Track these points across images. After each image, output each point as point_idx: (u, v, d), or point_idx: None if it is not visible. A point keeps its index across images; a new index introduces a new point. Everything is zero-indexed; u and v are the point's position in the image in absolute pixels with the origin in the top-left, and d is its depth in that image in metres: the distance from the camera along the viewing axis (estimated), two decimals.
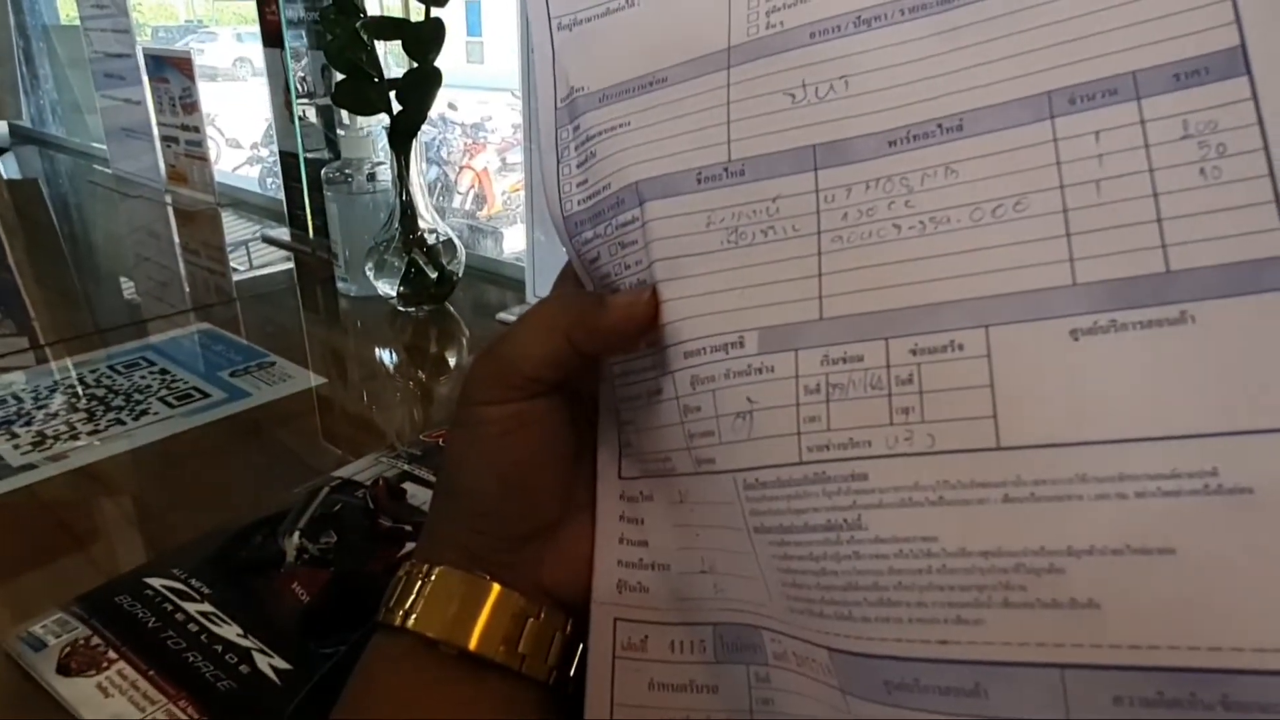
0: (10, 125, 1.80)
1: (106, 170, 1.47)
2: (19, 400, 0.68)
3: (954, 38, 0.22)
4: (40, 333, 0.85)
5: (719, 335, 0.24)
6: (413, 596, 0.27)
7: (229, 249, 1.14)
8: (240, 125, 6.18)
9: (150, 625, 0.42)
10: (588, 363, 0.28)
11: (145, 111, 1.30)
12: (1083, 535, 0.19)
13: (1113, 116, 0.20)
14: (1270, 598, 0.18)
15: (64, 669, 0.39)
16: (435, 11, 0.74)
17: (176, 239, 1.18)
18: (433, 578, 0.27)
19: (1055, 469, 0.20)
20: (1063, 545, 0.19)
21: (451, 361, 0.80)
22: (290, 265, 1.05)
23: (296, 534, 0.49)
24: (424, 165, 0.85)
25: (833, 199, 0.23)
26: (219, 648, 0.40)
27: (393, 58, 0.83)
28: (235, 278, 1.03)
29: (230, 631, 0.41)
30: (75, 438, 0.62)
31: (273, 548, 0.48)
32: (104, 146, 1.49)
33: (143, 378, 0.72)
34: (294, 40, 0.99)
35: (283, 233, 1.13)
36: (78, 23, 1.40)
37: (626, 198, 0.26)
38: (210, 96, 1.69)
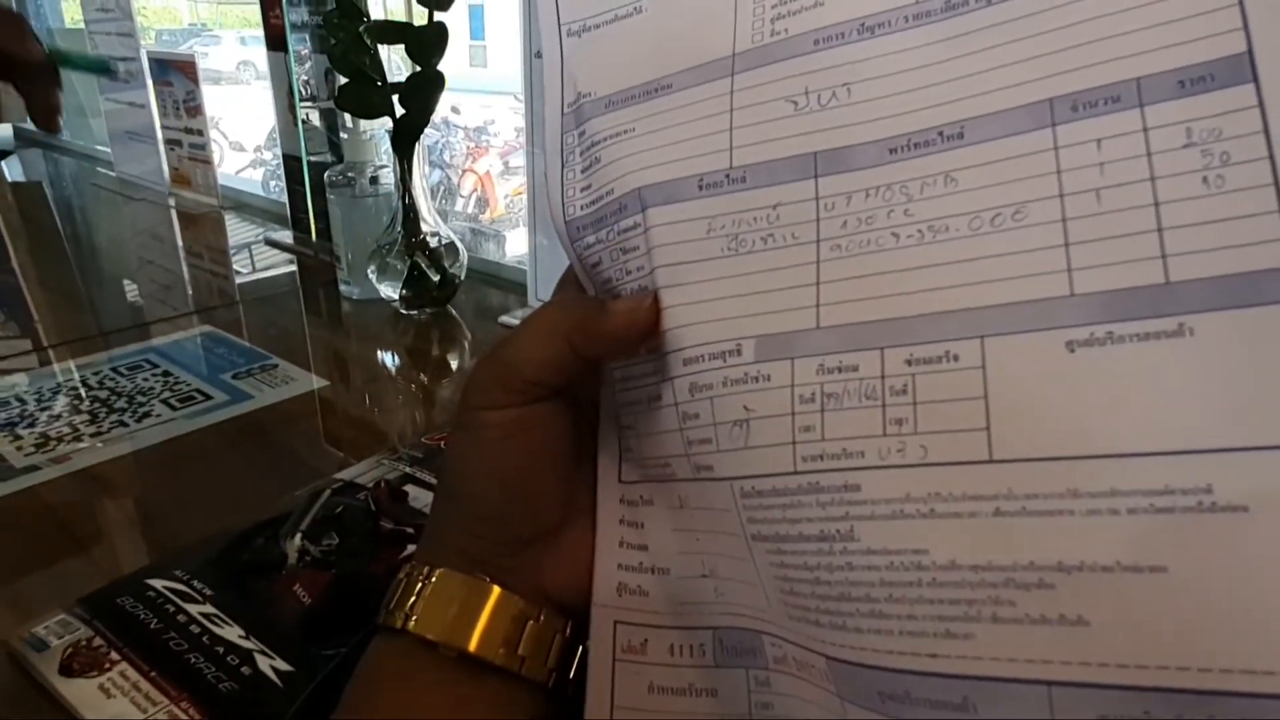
0: (15, 128, 1.81)
1: (110, 173, 1.47)
2: (22, 402, 0.68)
3: (957, 45, 0.22)
4: (43, 335, 0.85)
5: (717, 343, 0.24)
6: (413, 598, 0.27)
7: (232, 252, 1.14)
8: (244, 128, 6.19)
9: (152, 626, 0.42)
10: (589, 368, 0.28)
11: (149, 115, 1.30)
12: (1073, 551, 0.19)
13: (1115, 124, 0.20)
14: (1262, 619, 0.17)
15: (66, 670, 0.40)
16: (438, 16, 0.74)
17: (179, 242, 1.18)
18: (433, 580, 0.27)
19: (1047, 483, 0.19)
20: (1053, 561, 0.19)
21: (453, 364, 0.80)
22: (293, 268, 1.06)
23: (298, 536, 0.49)
24: (426, 168, 0.86)
25: (832, 207, 0.23)
26: (221, 649, 0.40)
27: (396, 61, 0.83)
28: (238, 280, 1.03)
29: (232, 633, 0.42)
30: (78, 439, 0.62)
31: (275, 550, 0.48)
32: (108, 149, 1.49)
33: (145, 380, 0.72)
34: (297, 44, 1.00)
35: (285, 235, 1.13)
36: (82, 26, 1.40)
37: (629, 203, 0.27)
38: (214, 100, 1.70)
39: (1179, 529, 0.18)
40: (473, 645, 0.26)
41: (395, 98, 0.76)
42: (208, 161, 1.28)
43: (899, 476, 0.21)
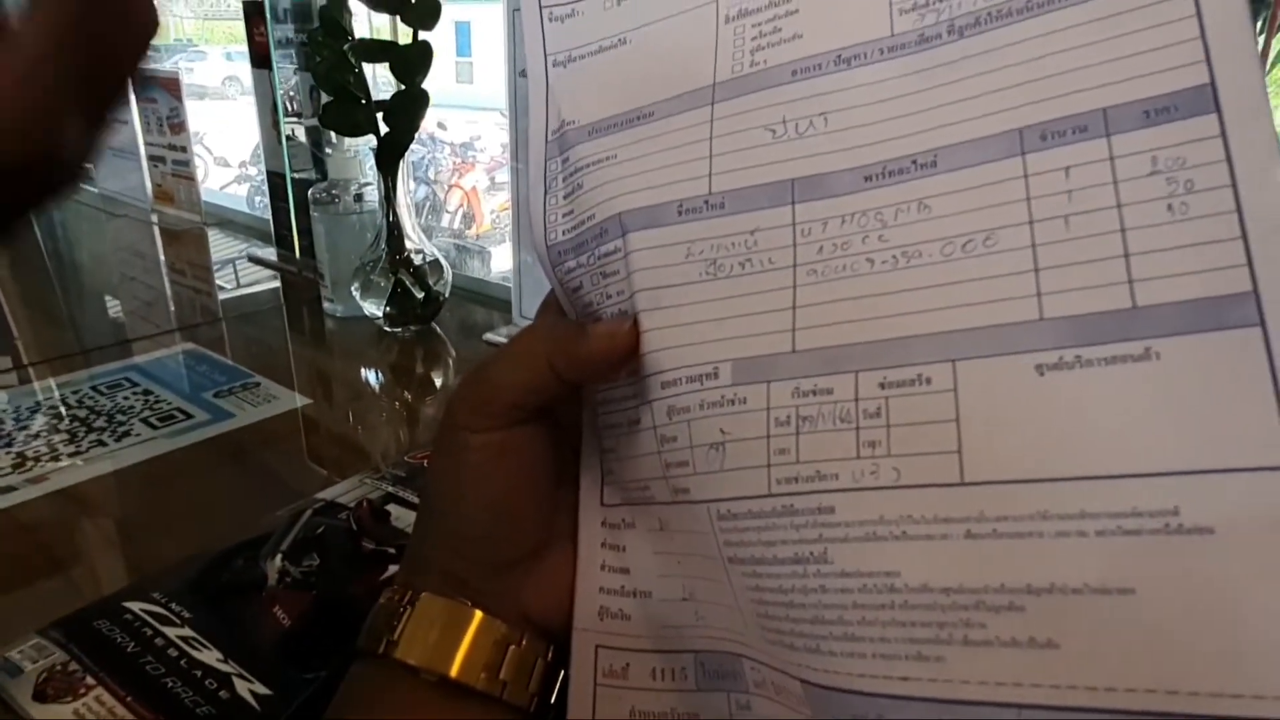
0: None
1: (92, 189, 1.46)
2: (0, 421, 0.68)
3: (930, 76, 0.23)
4: (24, 352, 0.84)
5: (694, 366, 0.25)
6: (394, 623, 0.27)
7: (215, 268, 1.14)
8: (229, 144, 6.17)
9: (129, 650, 0.41)
10: (569, 391, 0.28)
11: (132, 131, 1.30)
12: (1042, 573, 0.19)
13: (1083, 152, 0.20)
14: (1228, 640, 0.17)
15: (40, 695, 0.39)
16: (423, 34, 0.74)
17: (162, 258, 1.18)
18: (415, 604, 0.27)
19: (1017, 505, 0.20)
20: (1023, 583, 0.19)
21: (437, 382, 0.80)
22: (277, 285, 1.05)
23: (279, 557, 0.48)
24: (412, 185, 0.86)
25: (809, 232, 0.24)
26: (198, 673, 0.40)
27: (380, 79, 0.83)
28: (221, 297, 1.02)
29: (210, 656, 0.41)
30: (56, 459, 0.62)
31: (254, 571, 0.47)
32: (89, 165, 1.48)
33: (125, 398, 0.72)
34: (282, 61, 1.00)
35: (269, 252, 1.13)
36: None
37: (610, 228, 0.27)
38: (199, 115, 1.69)
39: (1146, 551, 0.18)
40: (454, 670, 0.26)
41: (379, 115, 0.77)
42: (191, 178, 1.27)
43: (872, 499, 0.21)
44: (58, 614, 0.44)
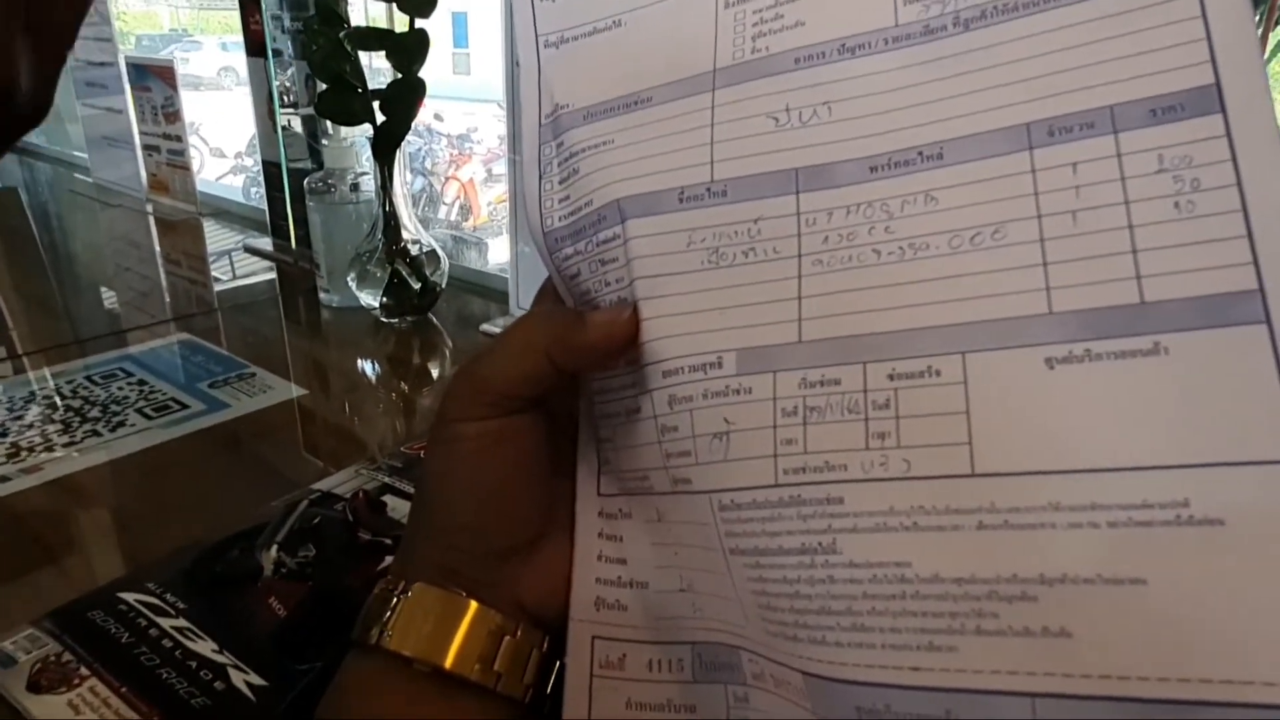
0: None
1: (87, 179, 1.46)
2: None
3: (936, 68, 0.23)
4: (18, 342, 0.84)
5: (697, 355, 0.24)
6: (388, 614, 0.26)
7: (211, 259, 1.13)
8: (224, 134, 6.14)
9: (123, 641, 0.41)
10: (566, 380, 0.28)
11: (127, 120, 1.29)
12: (1055, 564, 0.19)
13: (1090, 149, 0.21)
14: (1239, 630, 0.18)
15: (34, 686, 0.39)
16: (419, 22, 0.74)
17: (157, 248, 1.17)
18: (409, 595, 0.27)
19: (1029, 497, 0.20)
20: (1035, 573, 0.19)
21: (434, 373, 0.80)
22: (273, 275, 1.05)
23: (274, 547, 0.48)
24: (409, 175, 0.85)
25: (814, 222, 0.23)
26: (193, 664, 0.40)
27: (377, 67, 0.83)
28: (217, 288, 1.02)
29: (205, 647, 0.41)
30: (50, 449, 0.61)
31: (250, 561, 0.47)
32: (85, 155, 1.47)
33: (120, 389, 0.71)
34: (278, 50, 0.99)
35: (265, 243, 1.12)
36: None
37: (608, 215, 0.26)
38: (194, 105, 1.69)
39: (1157, 542, 0.18)
40: (448, 662, 0.26)
41: (376, 104, 0.76)
42: (186, 168, 1.27)
43: (882, 490, 0.21)
44: (52, 605, 0.43)
